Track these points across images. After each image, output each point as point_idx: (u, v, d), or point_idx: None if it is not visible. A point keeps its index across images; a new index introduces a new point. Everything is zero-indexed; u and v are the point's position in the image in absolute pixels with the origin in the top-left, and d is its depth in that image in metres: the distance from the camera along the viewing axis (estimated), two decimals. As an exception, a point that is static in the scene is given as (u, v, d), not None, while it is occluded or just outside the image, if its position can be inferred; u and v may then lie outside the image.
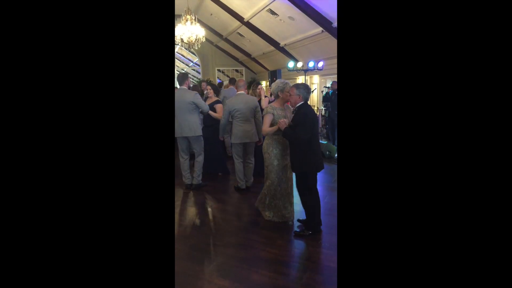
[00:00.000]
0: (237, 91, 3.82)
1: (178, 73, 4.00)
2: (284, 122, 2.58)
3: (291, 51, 8.92)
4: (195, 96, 3.71)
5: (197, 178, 3.99)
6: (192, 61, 17.34)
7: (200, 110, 3.78)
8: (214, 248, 2.55)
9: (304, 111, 2.54)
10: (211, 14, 9.53)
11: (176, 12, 8.89)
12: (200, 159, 3.95)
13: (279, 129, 2.64)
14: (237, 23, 8.89)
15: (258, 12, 7.55)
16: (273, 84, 2.89)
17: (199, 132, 3.79)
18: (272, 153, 2.88)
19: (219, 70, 12.94)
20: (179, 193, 3.94)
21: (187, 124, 3.73)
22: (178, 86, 3.85)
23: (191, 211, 3.43)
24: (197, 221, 3.11)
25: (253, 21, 8.32)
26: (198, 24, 7.30)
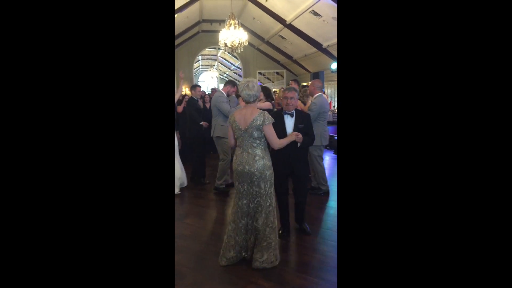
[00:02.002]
0: (315, 93, 3.63)
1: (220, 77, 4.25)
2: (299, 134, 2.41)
3: (334, 52, 8.72)
4: (217, 99, 3.83)
5: (216, 181, 4.00)
6: (234, 65, 17.75)
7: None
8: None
9: (309, 117, 2.73)
10: (254, 18, 9.67)
11: (221, 17, 9.19)
12: (221, 162, 3.93)
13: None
14: (279, 25, 8.92)
15: (301, 14, 7.49)
16: (251, 85, 2.20)
17: (216, 134, 3.86)
18: (272, 175, 2.28)
19: (260, 73, 13.06)
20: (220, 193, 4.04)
21: (212, 125, 3.94)
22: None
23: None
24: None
25: (296, 23, 8.28)
26: (241, 29, 7.45)
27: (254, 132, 2.16)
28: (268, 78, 13.34)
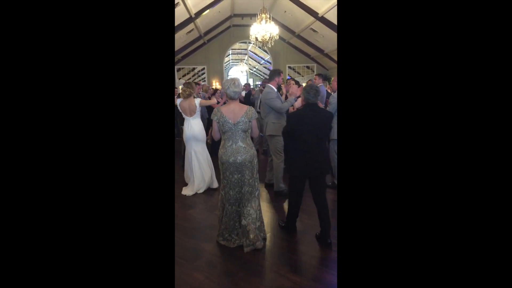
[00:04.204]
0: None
1: (273, 70, 3.88)
2: None
3: (368, 45, 8.40)
4: (266, 96, 3.63)
5: (280, 185, 3.71)
6: (263, 59, 17.71)
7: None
8: (288, 245, 2.59)
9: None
10: (285, 12, 9.56)
11: (252, 11, 9.18)
12: (277, 161, 3.66)
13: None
14: (311, 18, 8.75)
15: (334, 6, 7.30)
16: (237, 83, 2.44)
17: (268, 132, 3.64)
18: (258, 163, 2.64)
19: (289, 67, 12.94)
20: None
21: (264, 123, 3.75)
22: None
23: (264, 206, 3.54)
24: (269, 218, 3.20)
25: (328, 16, 8.08)
26: (272, 22, 7.40)
27: (244, 125, 2.40)
28: (298, 72, 13.18)
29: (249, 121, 2.42)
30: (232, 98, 2.44)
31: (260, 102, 4.18)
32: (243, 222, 2.47)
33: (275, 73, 3.74)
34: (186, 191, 3.87)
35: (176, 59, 11.37)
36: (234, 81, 2.43)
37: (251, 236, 2.44)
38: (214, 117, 2.41)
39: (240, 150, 2.41)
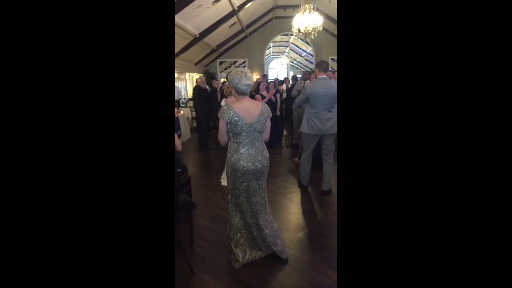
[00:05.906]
0: None
1: (321, 60, 3.46)
2: None
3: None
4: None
5: (327, 184, 3.52)
6: (305, 51, 17.34)
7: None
8: (326, 241, 2.55)
9: None
10: (330, 1, 9.23)
11: (295, 2, 8.99)
12: (332, 161, 3.50)
13: None
14: (357, 8, 8.35)
15: (383, -6, 6.87)
16: (249, 74, 2.07)
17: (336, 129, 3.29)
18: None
19: (332, 59, 12.51)
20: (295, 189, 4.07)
21: (330, 120, 3.29)
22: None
23: (304, 203, 3.51)
24: (308, 214, 3.18)
25: (376, 4, 7.65)
26: (316, 13, 7.19)
27: (260, 126, 2.08)
28: (341, 65, 12.70)
29: (265, 120, 2.10)
30: (243, 93, 2.07)
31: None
32: (265, 231, 2.25)
33: (328, 65, 3.37)
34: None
35: (218, 53, 11.59)
36: (245, 72, 2.05)
37: (278, 242, 2.31)
38: (224, 116, 2.01)
39: (258, 154, 2.11)
